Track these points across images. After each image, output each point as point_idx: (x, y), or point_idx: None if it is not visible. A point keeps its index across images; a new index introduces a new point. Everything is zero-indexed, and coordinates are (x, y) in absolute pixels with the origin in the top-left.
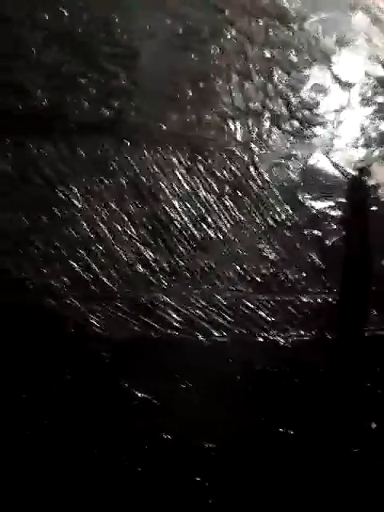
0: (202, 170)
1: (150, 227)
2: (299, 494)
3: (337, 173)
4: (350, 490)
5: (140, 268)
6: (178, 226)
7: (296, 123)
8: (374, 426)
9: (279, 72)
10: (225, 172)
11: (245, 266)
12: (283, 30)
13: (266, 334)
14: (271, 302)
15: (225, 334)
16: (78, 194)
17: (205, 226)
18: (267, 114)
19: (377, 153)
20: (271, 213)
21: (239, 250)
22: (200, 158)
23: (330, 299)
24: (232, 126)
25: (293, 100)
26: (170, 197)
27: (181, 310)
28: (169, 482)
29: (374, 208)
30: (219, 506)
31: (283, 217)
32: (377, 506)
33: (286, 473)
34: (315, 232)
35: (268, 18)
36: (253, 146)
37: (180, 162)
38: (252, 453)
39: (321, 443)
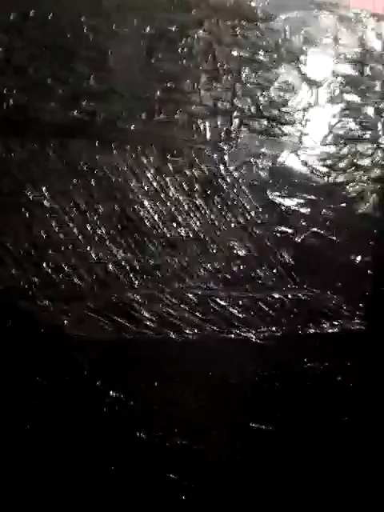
0: (171, 169)
1: (119, 227)
2: (276, 488)
3: (306, 170)
4: (334, 486)
5: (111, 268)
6: (149, 225)
7: (264, 122)
8: (346, 420)
9: (247, 71)
10: (194, 171)
11: (215, 264)
12: (251, 29)
13: (237, 331)
14: (242, 299)
15: (197, 331)
16: (48, 195)
17: (175, 225)
18: (236, 113)
19: (345, 150)
20: (241, 211)
21: (210, 248)
22: (169, 157)
23: (301, 295)
24: (201, 126)
25: (261, 99)
26: (140, 196)
27: (152, 308)
28: (143, 480)
29: (342, 205)
30: (194, 503)
31: (253, 215)
32: (360, 504)
33: (261, 468)
34: (285, 229)
35: (236, 17)
36: (222, 144)
37: (149, 162)
38: (225, 448)
39: (295, 438)
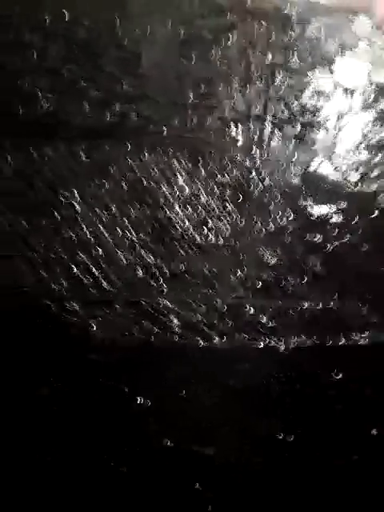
0: (203, 174)
1: (150, 231)
2: (298, 500)
3: (338, 178)
4: (350, 497)
5: (140, 272)
6: (179, 230)
7: (297, 128)
8: (374, 432)
9: (281, 76)
10: (226, 176)
11: (245, 271)
12: (285, 34)
13: (266, 340)
14: (272, 308)
15: (225, 339)
16: (79, 198)
17: (206, 231)
18: (269, 119)
19: (378, 158)
20: (272, 218)
21: (240, 255)
22: (201, 162)
23: (331, 305)
24: (233, 131)
25: (294, 105)
26: (171, 201)
27: (181, 314)
28: (168, 489)
29: (374, 214)
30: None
31: (284, 222)
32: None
33: (286, 480)
34: (316, 237)
35: (270, 22)
36: (254, 150)
37: (181, 166)
38: (252, 459)
39: (321, 450)
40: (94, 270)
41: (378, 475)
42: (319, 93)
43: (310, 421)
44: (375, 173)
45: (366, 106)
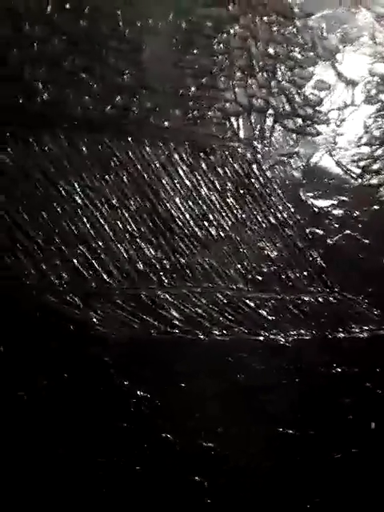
0: (204, 167)
1: (151, 224)
2: (299, 494)
3: (339, 171)
4: (350, 491)
5: (140, 265)
6: (180, 223)
7: (299, 121)
8: (373, 426)
9: (283, 69)
10: (227, 169)
11: (246, 265)
12: (287, 26)
13: (266, 333)
14: (272, 301)
15: (225, 332)
16: (79, 190)
17: (206, 224)
18: (270, 111)
19: (380, 151)
20: (273, 211)
21: (240, 248)
22: (202, 154)
23: (331, 299)
24: (235, 123)
25: (296, 97)
26: (172, 194)
27: (181, 308)
28: (167, 482)
29: (375, 207)
30: (218, 506)
31: (285, 215)
32: (377, 507)
33: (286, 473)
34: (317, 231)
35: (272, 14)
36: (255, 143)
37: (182, 159)
38: (251, 452)
39: (321, 443)
40: (94, 263)
41: (376, 469)
42: (321, 85)
43: (310, 414)
44: (376, 166)
45: (368, 99)
